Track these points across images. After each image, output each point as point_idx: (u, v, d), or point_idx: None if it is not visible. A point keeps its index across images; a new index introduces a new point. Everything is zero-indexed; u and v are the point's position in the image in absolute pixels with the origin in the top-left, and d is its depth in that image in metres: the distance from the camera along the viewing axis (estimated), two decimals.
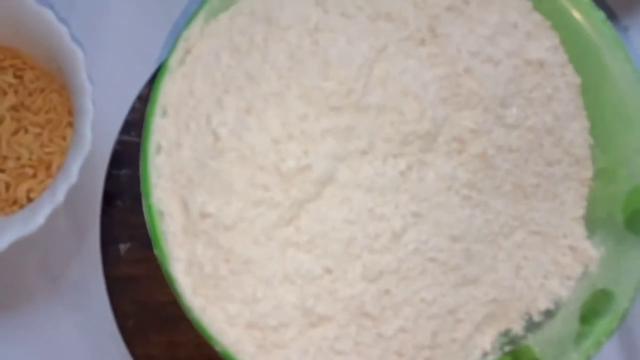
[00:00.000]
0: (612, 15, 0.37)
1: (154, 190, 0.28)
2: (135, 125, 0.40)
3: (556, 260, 0.32)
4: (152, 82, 0.41)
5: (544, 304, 0.31)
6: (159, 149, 0.29)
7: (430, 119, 0.30)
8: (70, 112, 0.39)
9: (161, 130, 0.29)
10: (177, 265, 0.28)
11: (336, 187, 0.29)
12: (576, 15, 0.32)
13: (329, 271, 0.28)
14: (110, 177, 0.40)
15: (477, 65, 0.31)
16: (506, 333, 0.31)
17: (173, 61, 0.30)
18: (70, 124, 0.38)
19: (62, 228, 0.39)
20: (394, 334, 0.29)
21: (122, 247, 0.39)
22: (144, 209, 0.28)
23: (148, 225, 0.28)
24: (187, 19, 0.31)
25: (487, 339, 0.31)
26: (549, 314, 0.31)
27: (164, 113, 0.30)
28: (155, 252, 0.28)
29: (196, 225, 0.28)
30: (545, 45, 0.32)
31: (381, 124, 0.29)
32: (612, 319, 0.29)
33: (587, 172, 0.33)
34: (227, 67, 0.30)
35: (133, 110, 0.40)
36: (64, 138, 0.38)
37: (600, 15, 0.32)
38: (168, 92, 0.30)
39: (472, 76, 0.30)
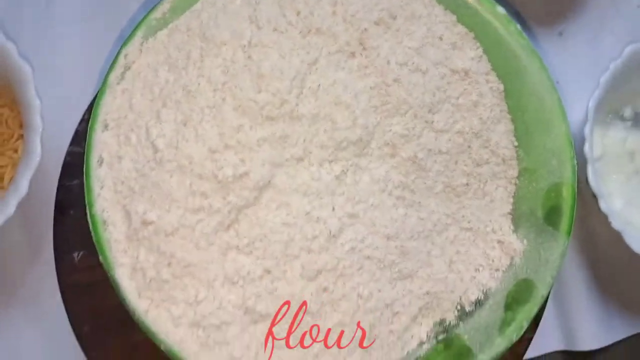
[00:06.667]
0: (528, 26, 0.40)
1: (97, 200, 0.30)
2: (85, 136, 0.41)
3: (486, 253, 0.34)
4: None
5: (474, 294, 0.34)
6: (101, 161, 0.31)
7: (362, 125, 0.32)
8: (21, 126, 0.39)
9: (103, 144, 0.31)
10: (122, 271, 0.29)
11: (274, 192, 0.31)
12: (497, 26, 0.34)
13: (268, 272, 0.30)
14: (61, 188, 0.40)
15: (406, 75, 0.33)
16: (441, 323, 0.33)
17: (113, 77, 0.32)
18: (22, 137, 0.39)
19: (16, 240, 0.40)
20: (333, 328, 0.31)
21: (76, 255, 0.40)
22: (88, 218, 0.29)
23: (92, 234, 0.29)
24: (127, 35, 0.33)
25: (423, 329, 0.33)
26: (478, 303, 0.33)
27: (105, 127, 0.31)
28: (100, 258, 0.29)
29: (138, 232, 0.29)
30: (469, 55, 0.34)
31: (315, 131, 0.31)
32: (532, 306, 0.32)
33: (513, 171, 0.35)
34: (165, 82, 0.31)
35: (82, 121, 0.41)
36: (15, 151, 0.39)
37: (516, 26, 0.34)
38: (108, 107, 0.31)
39: (400, 85, 0.33)
